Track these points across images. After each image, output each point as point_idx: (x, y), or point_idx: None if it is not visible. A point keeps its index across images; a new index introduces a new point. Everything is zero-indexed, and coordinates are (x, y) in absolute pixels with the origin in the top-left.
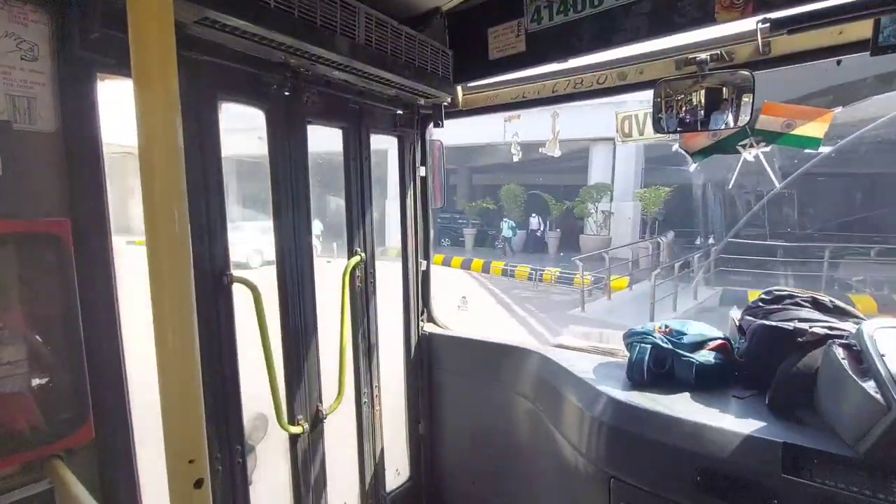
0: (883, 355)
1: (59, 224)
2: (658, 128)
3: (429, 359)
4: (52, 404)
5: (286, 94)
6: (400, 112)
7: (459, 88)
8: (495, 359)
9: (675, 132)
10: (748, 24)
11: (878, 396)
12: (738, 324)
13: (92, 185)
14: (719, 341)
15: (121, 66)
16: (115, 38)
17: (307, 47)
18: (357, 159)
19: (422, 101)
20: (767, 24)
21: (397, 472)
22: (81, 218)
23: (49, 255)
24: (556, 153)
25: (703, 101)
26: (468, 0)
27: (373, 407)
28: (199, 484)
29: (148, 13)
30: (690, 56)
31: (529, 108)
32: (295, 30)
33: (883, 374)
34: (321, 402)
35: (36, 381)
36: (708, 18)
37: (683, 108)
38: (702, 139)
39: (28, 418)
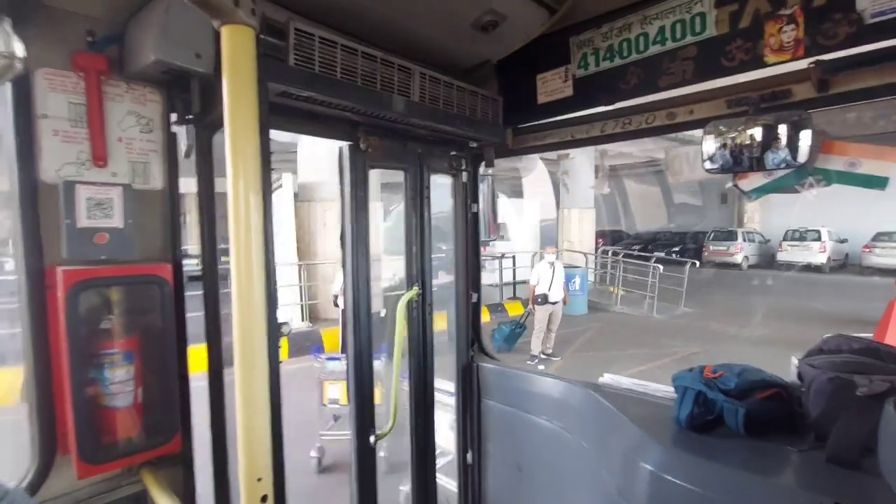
0: None
1: (164, 268)
2: (710, 167)
3: (478, 389)
4: (149, 418)
5: (349, 143)
6: (454, 153)
7: (509, 130)
8: (543, 393)
9: (727, 172)
10: (801, 62)
11: None
12: (797, 371)
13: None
14: (772, 390)
15: (211, 133)
16: (209, 111)
17: (368, 108)
18: (416, 198)
19: (474, 144)
20: (820, 66)
21: (447, 501)
22: (178, 261)
23: (154, 293)
24: (605, 190)
25: (756, 139)
26: (517, 50)
27: (426, 434)
28: (264, 499)
29: (239, 93)
30: (742, 95)
31: (578, 147)
32: (357, 95)
33: None
34: (374, 426)
35: (139, 398)
36: (757, 61)
37: (736, 147)
38: (757, 177)
39: (132, 429)
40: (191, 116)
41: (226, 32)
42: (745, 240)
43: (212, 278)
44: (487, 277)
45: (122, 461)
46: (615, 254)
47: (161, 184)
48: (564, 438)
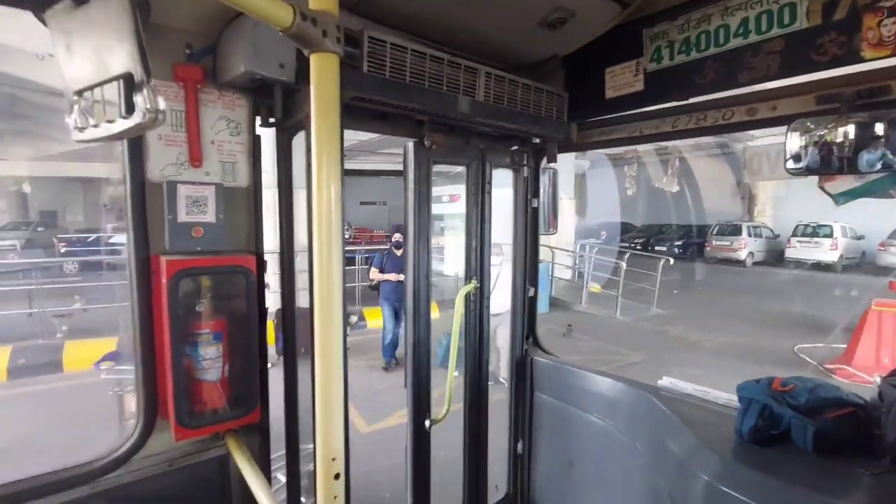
0: None
1: (249, 259)
2: (793, 167)
3: (532, 382)
4: (233, 392)
5: (415, 140)
6: (516, 148)
7: (574, 125)
8: (597, 391)
9: (813, 173)
10: None
11: None
12: (878, 390)
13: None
14: (848, 408)
15: (291, 136)
16: (290, 115)
17: (435, 110)
18: (477, 193)
19: (536, 140)
20: None
21: (496, 487)
22: (260, 253)
23: (240, 281)
24: (675, 188)
25: (849, 138)
26: (585, 43)
27: (479, 421)
28: (337, 476)
29: (325, 109)
30: (834, 91)
31: (646, 143)
32: (424, 98)
33: None
34: (430, 411)
35: (226, 374)
36: (852, 56)
37: (825, 147)
38: (846, 180)
39: (219, 400)
40: (273, 120)
41: (314, 59)
42: (750, 234)
43: (289, 268)
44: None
45: (210, 428)
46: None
47: (246, 182)
48: (616, 438)
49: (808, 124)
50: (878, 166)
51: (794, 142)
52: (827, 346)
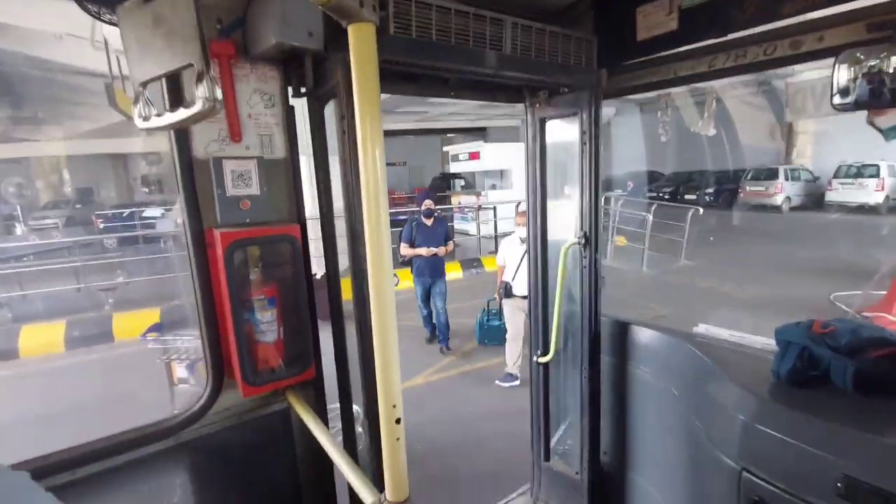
0: None
1: (294, 228)
2: (842, 103)
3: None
4: (290, 350)
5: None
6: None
7: (604, 71)
8: (632, 340)
9: (864, 108)
10: None
11: None
12: None
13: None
14: (891, 348)
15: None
16: (321, 84)
17: (462, 67)
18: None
19: (565, 90)
20: None
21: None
22: (303, 222)
23: (287, 249)
24: (711, 132)
25: None
26: None
27: (592, 388)
28: (398, 421)
29: (364, 77)
30: (886, 18)
31: (682, 85)
32: (451, 56)
33: None
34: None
35: (281, 336)
36: None
37: (876, 78)
38: None
39: (277, 359)
40: (304, 90)
41: (353, 30)
42: (787, 178)
43: (331, 234)
44: (473, 228)
45: (271, 385)
46: (615, 200)
47: (283, 153)
48: (652, 385)
49: (858, 55)
50: None
51: (843, 74)
52: (866, 293)
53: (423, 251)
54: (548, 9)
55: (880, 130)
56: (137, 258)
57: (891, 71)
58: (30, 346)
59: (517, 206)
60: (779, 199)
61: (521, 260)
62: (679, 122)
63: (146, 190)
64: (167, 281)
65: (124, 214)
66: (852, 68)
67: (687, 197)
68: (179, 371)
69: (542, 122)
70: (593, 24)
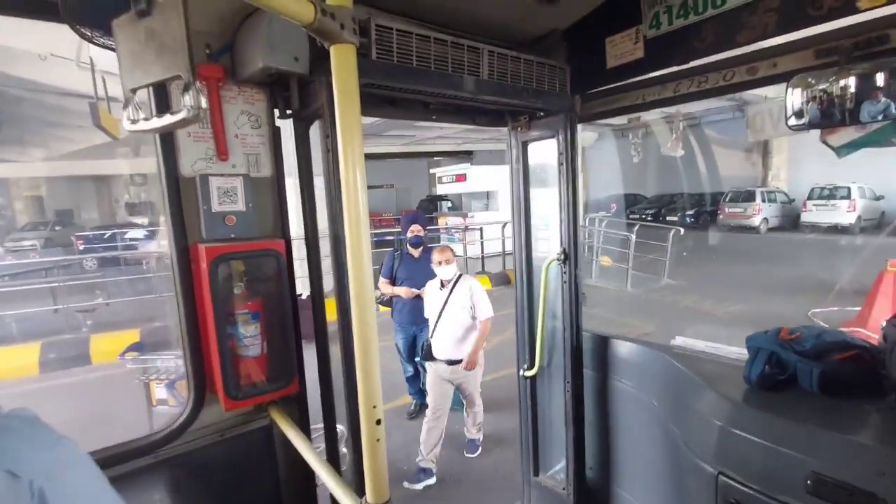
0: None
1: (278, 243)
2: (795, 123)
3: None
4: (274, 365)
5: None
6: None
7: (577, 97)
8: (614, 354)
9: (815, 127)
10: None
11: None
12: (882, 333)
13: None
14: (853, 351)
15: (307, 125)
16: (306, 105)
17: (442, 90)
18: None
19: (541, 114)
20: None
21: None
22: (287, 237)
23: (272, 264)
24: (679, 152)
25: (850, 90)
26: (584, 14)
27: (577, 406)
28: (378, 422)
29: (346, 97)
30: (832, 45)
31: (649, 109)
32: (431, 80)
33: None
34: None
35: (264, 350)
36: (849, 7)
37: (826, 100)
38: (848, 132)
39: (260, 374)
40: (290, 112)
41: (335, 51)
42: (764, 200)
43: (315, 249)
44: (459, 249)
45: (254, 399)
46: (599, 221)
47: (269, 171)
48: (633, 397)
49: (809, 79)
50: (880, 116)
51: (796, 97)
52: (842, 309)
53: (401, 291)
54: (522, 38)
55: (832, 148)
56: (119, 279)
57: (839, 93)
58: (1, 369)
59: (476, 233)
60: (756, 221)
61: (443, 310)
62: (658, 147)
63: (129, 211)
64: (148, 302)
65: (105, 236)
66: (804, 91)
67: (669, 218)
68: (158, 392)
69: (525, 144)
70: (566, 53)
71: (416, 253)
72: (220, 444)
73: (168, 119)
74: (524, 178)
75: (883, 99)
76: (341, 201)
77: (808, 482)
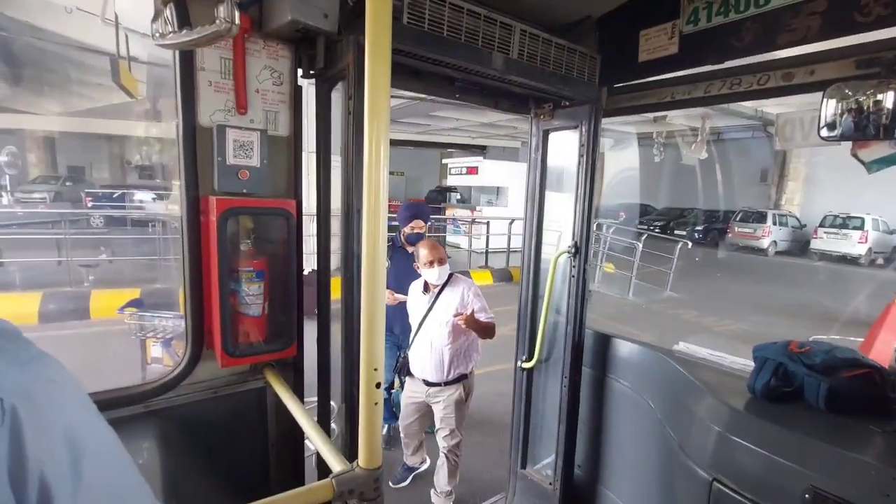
0: None
1: (290, 203)
2: (827, 135)
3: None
4: (273, 327)
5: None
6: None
7: (605, 89)
8: (614, 354)
9: (847, 139)
10: None
11: None
12: (894, 355)
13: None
14: (864, 369)
15: (330, 87)
16: (331, 66)
17: (470, 65)
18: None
19: (566, 103)
20: None
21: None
22: (299, 199)
23: (281, 223)
24: (704, 154)
25: (887, 105)
26: (620, 4)
27: (573, 406)
28: (378, 385)
29: (377, 54)
30: (874, 55)
31: (678, 108)
32: (461, 53)
33: None
34: (524, 357)
35: (266, 310)
36: None
37: (862, 113)
38: (881, 147)
39: (259, 334)
40: (314, 72)
41: (369, 3)
42: (775, 223)
43: (325, 214)
44: (464, 242)
45: (251, 358)
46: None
47: (287, 131)
48: (629, 397)
49: (846, 90)
50: None
51: (830, 107)
52: (843, 338)
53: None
54: (554, 22)
55: (863, 163)
56: (124, 237)
57: (876, 107)
58: (1, 314)
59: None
60: (765, 243)
61: (425, 318)
62: (676, 159)
63: (137, 174)
64: (152, 264)
65: (115, 195)
66: (840, 102)
67: (677, 232)
68: (154, 350)
69: (546, 133)
70: (597, 42)
71: (411, 248)
72: (213, 402)
73: (199, 32)
74: (542, 168)
75: None
76: (361, 165)
77: (807, 496)
